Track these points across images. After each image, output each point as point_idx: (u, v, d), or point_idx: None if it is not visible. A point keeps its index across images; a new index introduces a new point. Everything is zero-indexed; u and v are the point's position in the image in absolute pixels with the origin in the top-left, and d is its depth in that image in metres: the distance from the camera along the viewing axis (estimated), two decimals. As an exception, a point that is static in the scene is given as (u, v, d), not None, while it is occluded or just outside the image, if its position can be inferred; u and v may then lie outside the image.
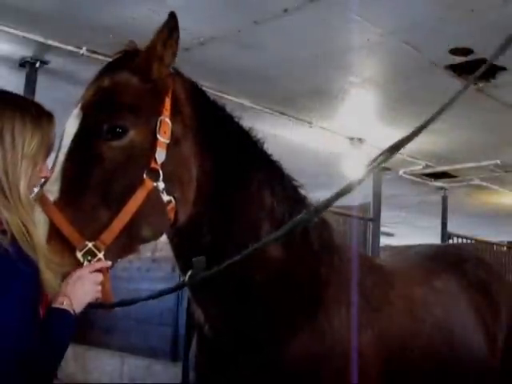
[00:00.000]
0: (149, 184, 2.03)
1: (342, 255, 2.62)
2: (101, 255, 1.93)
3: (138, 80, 2.11)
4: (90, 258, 1.92)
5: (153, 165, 2.05)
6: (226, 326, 2.35)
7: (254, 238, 2.29)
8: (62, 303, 1.85)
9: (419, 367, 2.72)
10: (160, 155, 2.07)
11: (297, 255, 2.42)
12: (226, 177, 2.29)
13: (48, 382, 1.87)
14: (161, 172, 2.06)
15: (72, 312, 1.85)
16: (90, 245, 1.92)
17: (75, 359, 8.11)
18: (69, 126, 2.06)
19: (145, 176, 2.03)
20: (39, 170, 1.91)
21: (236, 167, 2.33)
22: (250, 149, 2.43)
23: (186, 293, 2.49)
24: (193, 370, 2.60)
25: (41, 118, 1.91)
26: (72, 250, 1.91)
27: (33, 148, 1.86)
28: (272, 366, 2.30)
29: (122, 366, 7.68)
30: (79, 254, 1.91)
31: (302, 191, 2.57)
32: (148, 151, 2.06)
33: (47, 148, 1.93)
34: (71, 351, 8.06)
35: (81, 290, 1.89)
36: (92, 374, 8.08)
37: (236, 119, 2.43)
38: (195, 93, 2.33)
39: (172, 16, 2.09)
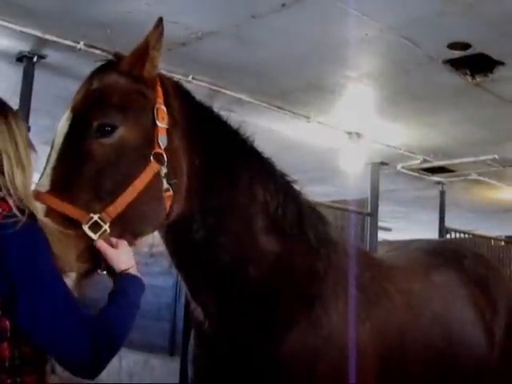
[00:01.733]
0: (155, 166, 2.09)
1: (339, 249, 2.63)
2: (106, 227, 1.95)
3: (126, 80, 2.17)
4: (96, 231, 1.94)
5: (157, 149, 2.11)
6: (224, 322, 2.36)
7: (248, 232, 2.32)
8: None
9: (417, 361, 2.73)
10: (162, 139, 2.13)
11: (293, 250, 2.43)
12: (215, 173, 2.32)
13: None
14: (165, 156, 2.11)
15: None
16: (95, 217, 1.94)
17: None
18: (60, 128, 2.10)
19: (152, 159, 2.08)
20: None
21: (226, 164, 2.35)
22: (239, 145, 2.45)
23: (184, 288, 2.50)
24: (191, 365, 2.61)
25: (14, 112, 1.94)
26: (77, 226, 1.92)
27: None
28: (270, 360, 2.31)
29: (120, 361, 7.68)
30: (86, 227, 1.92)
31: (296, 186, 2.57)
32: (151, 137, 2.12)
33: None
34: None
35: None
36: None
37: (224, 117, 2.46)
38: (181, 90, 2.38)
39: (161, 21, 2.19)
